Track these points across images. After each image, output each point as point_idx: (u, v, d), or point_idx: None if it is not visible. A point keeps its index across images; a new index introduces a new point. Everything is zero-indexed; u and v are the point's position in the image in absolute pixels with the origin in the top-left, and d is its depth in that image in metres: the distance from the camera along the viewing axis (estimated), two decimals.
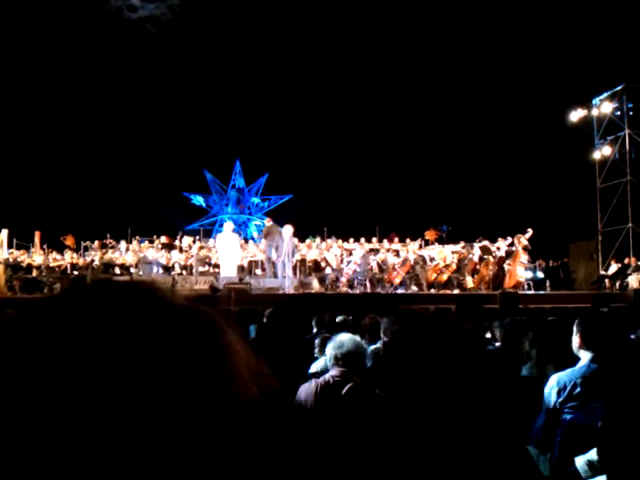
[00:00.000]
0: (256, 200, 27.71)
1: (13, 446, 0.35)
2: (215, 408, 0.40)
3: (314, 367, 3.86)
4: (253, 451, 0.41)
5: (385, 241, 16.08)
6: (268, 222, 13.73)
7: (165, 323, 0.42)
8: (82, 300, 0.43)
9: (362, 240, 15.80)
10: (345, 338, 2.72)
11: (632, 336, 4.08)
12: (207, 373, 0.41)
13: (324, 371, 3.52)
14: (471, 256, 14.35)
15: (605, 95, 17.57)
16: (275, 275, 13.08)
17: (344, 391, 2.45)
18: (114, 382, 0.37)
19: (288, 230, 12.82)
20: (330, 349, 2.71)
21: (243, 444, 0.41)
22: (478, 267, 14.42)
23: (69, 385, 0.36)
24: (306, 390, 2.61)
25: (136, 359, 0.38)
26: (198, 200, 27.27)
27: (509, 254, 13.98)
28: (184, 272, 14.74)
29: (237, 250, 13.79)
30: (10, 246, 15.35)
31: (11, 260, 14.37)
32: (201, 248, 15.68)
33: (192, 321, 0.44)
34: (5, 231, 14.82)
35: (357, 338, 2.80)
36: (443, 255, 14.45)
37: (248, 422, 0.42)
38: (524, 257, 13.69)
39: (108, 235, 16.76)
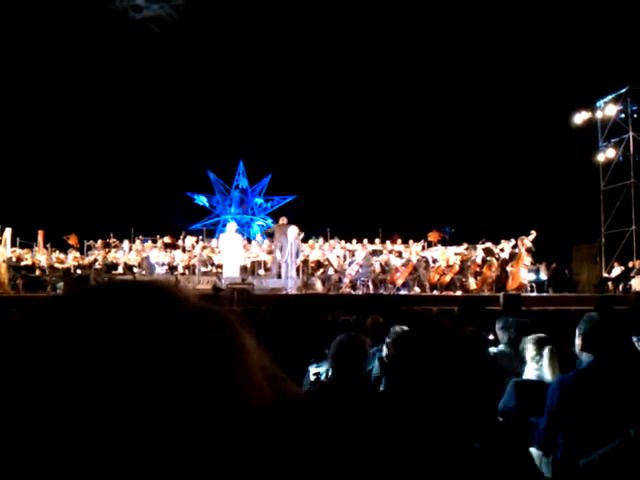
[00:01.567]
0: (259, 201, 27.70)
1: (23, 445, 0.35)
2: (229, 410, 0.40)
3: (316, 369, 3.83)
4: (263, 454, 0.41)
5: (388, 242, 16.07)
6: (283, 220, 13.54)
7: (180, 324, 0.41)
8: (96, 300, 0.42)
9: (365, 241, 15.78)
10: (348, 340, 2.64)
11: (634, 339, 4.08)
12: (222, 375, 0.41)
13: (327, 373, 3.51)
14: (474, 258, 14.34)
15: (609, 97, 17.53)
16: (280, 275, 13.08)
17: (348, 394, 2.44)
18: (130, 383, 0.37)
19: (293, 231, 12.81)
20: (333, 351, 2.63)
21: (254, 447, 0.40)
22: (479, 269, 14.41)
23: (85, 386, 0.36)
24: (311, 393, 2.59)
25: (151, 361, 0.38)
26: (201, 200, 27.27)
27: (512, 256, 13.97)
28: (187, 272, 14.77)
29: (240, 250, 13.81)
30: (14, 245, 15.40)
31: (14, 259, 14.41)
32: (204, 248, 15.69)
33: (207, 322, 0.43)
34: (9, 230, 14.88)
35: (361, 339, 2.71)
36: (446, 256, 14.45)
37: (260, 425, 0.41)
38: (527, 259, 13.68)
39: (111, 235, 16.81)
